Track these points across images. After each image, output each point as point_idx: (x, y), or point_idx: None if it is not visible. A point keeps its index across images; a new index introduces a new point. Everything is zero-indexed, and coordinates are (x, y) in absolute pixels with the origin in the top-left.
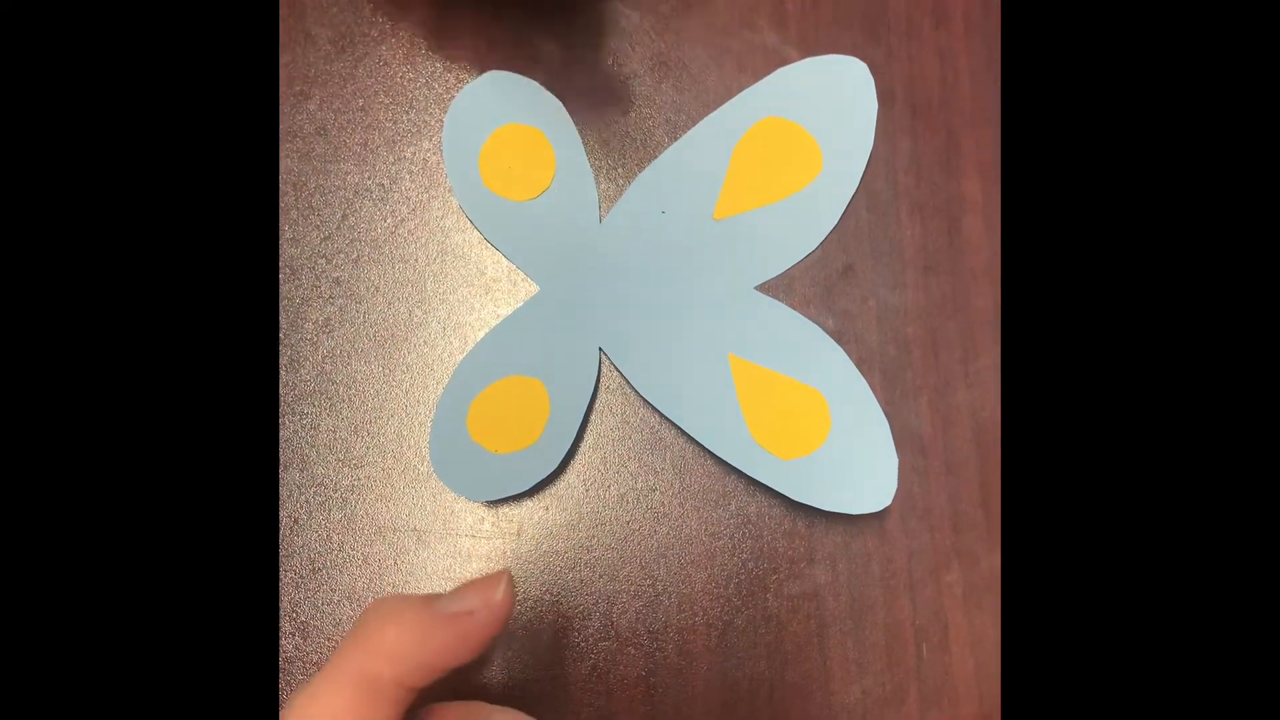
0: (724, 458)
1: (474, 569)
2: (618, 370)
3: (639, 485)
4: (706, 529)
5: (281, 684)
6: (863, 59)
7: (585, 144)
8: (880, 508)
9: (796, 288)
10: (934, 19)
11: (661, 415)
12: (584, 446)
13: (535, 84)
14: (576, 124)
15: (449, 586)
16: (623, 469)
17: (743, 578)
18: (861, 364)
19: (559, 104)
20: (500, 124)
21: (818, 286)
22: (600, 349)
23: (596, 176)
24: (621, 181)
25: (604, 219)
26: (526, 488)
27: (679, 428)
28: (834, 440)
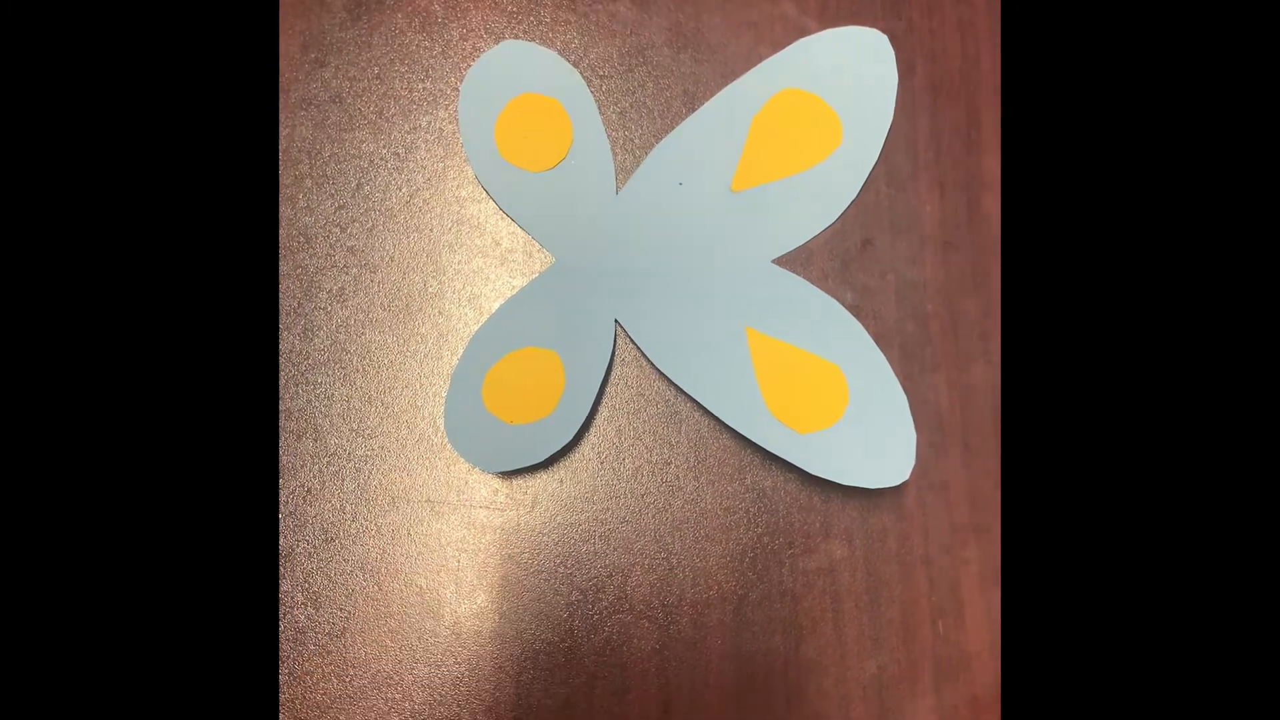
0: (740, 431)
1: (488, 540)
2: (633, 343)
3: (654, 458)
4: (722, 503)
5: (295, 653)
6: (883, 30)
7: (602, 114)
8: (898, 482)
9: (815, 261)
10: None
11: (677, 388)
12: (599, 419)
13: (553, 53)
14: (594, 94)
15: (463, 557)
16: (638, 442)
17: (758, 552)
18: (879, 339)
19: (576, 74)
20: (517, 93)
21: (836, 260)
22: (616, 321)
23: (613, 147)
24: (639, 153)
25: (621, 190)
26: (541, 459)
27: (695, 401)
28: (851, 415)
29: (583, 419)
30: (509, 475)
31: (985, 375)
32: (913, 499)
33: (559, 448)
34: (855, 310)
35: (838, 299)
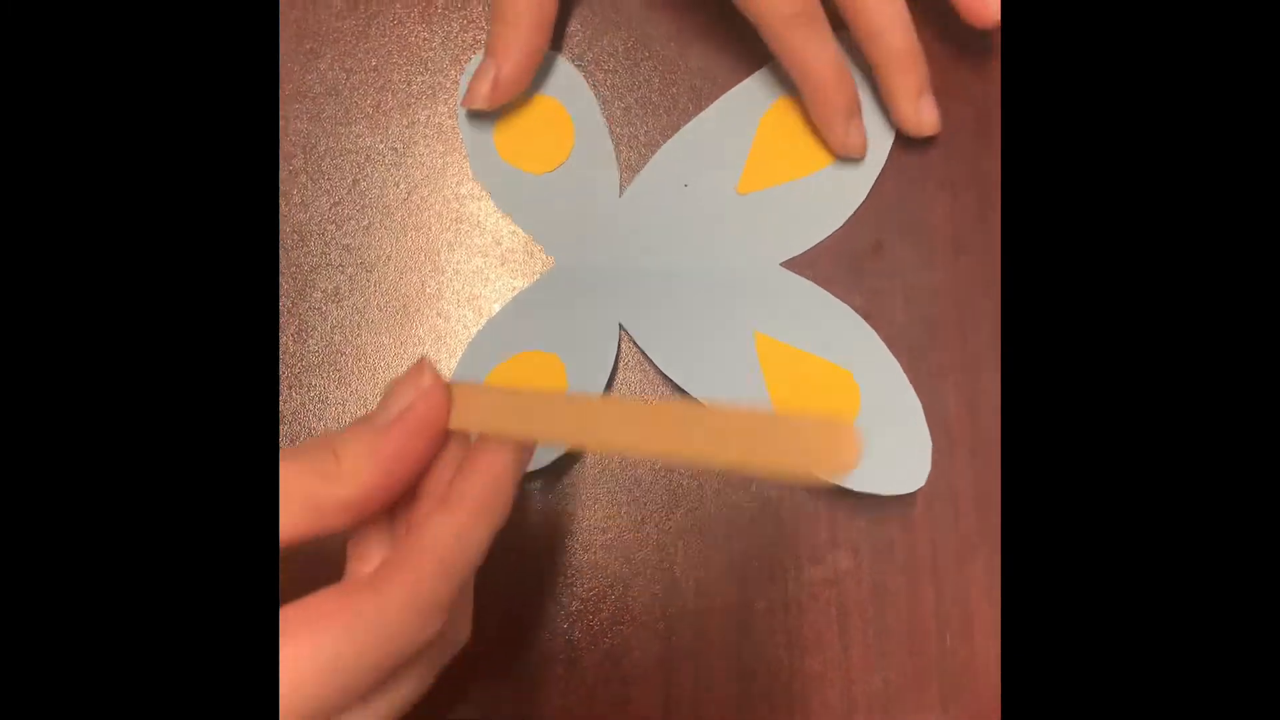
0: None
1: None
2: (638, 347)
3: (656, 465)
4: (726, 512)
5: None
6: None
7: (606, 111)
8: (913, 489)
9: (823, 265)
10: None
11: (683, 393)
12: None
13: (554, 52)
14: (597, 90)
15: None
16: None
17: (762, 562)
18: (888, 343)
19: (578, 73)
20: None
21: (845, 264)
22: (620, 324)
23: (618, 146)
24: (644, 151)
25: (625, 192)
26: (541, 467)
27: None
28: (864, 421)
29: None
30: None
31: (995, 381)
32: (920, 509)
33: (559, 455)
34: (864, 314)
35: (846, 302)
